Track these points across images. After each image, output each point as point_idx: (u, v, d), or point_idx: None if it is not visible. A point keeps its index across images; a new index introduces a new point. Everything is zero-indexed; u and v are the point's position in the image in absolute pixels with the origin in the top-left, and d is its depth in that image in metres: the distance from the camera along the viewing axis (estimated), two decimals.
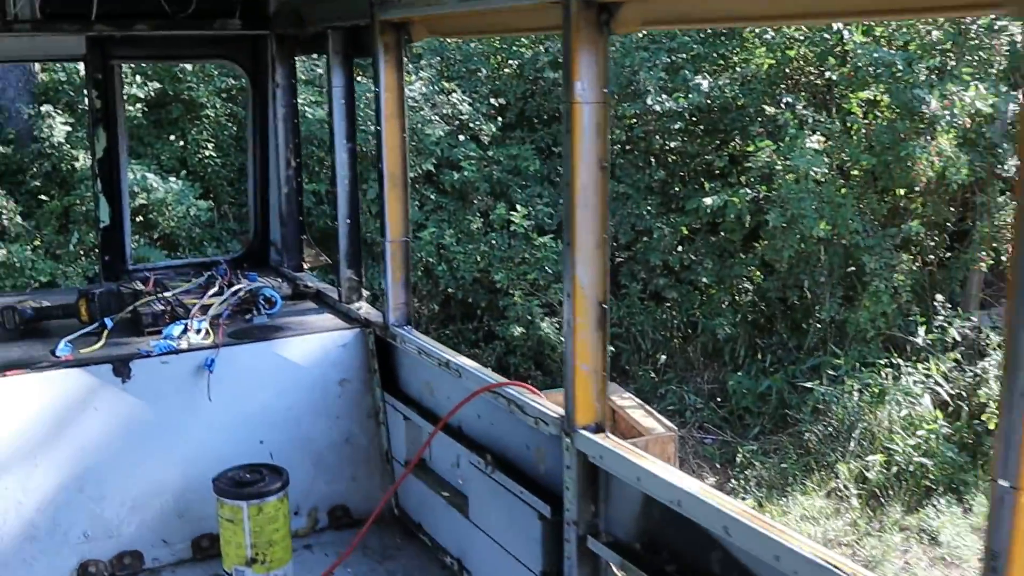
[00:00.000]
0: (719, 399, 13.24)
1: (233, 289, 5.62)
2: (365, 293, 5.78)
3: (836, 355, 12.25)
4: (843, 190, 12.47)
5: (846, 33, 12.42)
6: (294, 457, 5.12)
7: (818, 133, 12.58)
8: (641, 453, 3.61)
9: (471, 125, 14.47)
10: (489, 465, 4.37)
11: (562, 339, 13.31)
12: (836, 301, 12.57)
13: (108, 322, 5.27)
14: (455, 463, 4.82)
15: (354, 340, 5.29)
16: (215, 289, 5.72)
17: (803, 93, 13.36)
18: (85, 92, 6.73)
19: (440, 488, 4.96)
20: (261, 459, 4.95)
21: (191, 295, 5.81)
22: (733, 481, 11.47)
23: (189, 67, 12.42)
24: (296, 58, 6.44)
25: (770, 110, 13.41)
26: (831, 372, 12.15)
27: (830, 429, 11.62)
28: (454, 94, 14.58)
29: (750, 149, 13.06)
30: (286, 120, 6.42)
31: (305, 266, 6.64)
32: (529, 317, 13.22)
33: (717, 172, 14.32)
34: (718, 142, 14.62)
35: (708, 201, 12.97)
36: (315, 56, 14.98)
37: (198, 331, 5.16)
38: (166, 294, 5.63)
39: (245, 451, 4.97)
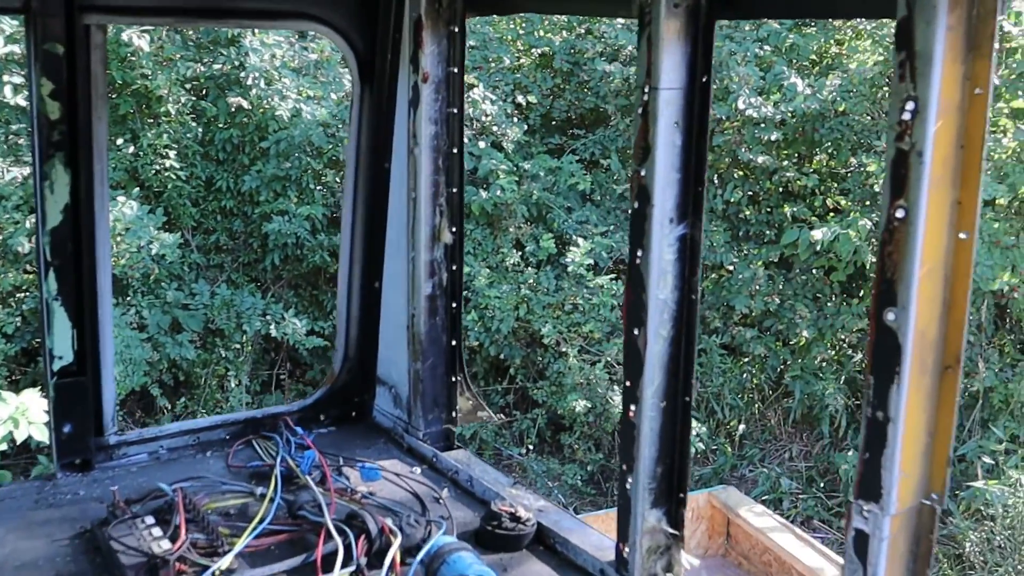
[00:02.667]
0: (823, 484, 10.53)
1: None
2: (691, 562, 2.64)
3: (999, 439, 9.54)
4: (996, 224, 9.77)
5: (1006, 24, 9.68)
6: None
7: None
8: None
9: (495, 129, 11.42)
10: None
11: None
12: (992, 368, 9.83)
13: None
14: None
15: None
16: (332, 543, 2.59)
17: None
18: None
19: None
20: None
21: (269, 546, 2.69)
22: None
23: (146, 47, 9.05)
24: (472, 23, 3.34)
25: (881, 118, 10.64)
26: (987, 460, 9.46)
27: (998, 538, 8.94)
28: (475, 88, 11.49)
29: (871, 168, 10.28)
30: (437, 147, 3.31)
31: (455, 429, 3.53)
32: (585, 381, 10.28)
33: (797, 193, 11.60)
34: (797, 156, 11.87)
35: (817, 235, 10.12)
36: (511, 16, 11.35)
37: None
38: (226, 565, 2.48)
39: None
